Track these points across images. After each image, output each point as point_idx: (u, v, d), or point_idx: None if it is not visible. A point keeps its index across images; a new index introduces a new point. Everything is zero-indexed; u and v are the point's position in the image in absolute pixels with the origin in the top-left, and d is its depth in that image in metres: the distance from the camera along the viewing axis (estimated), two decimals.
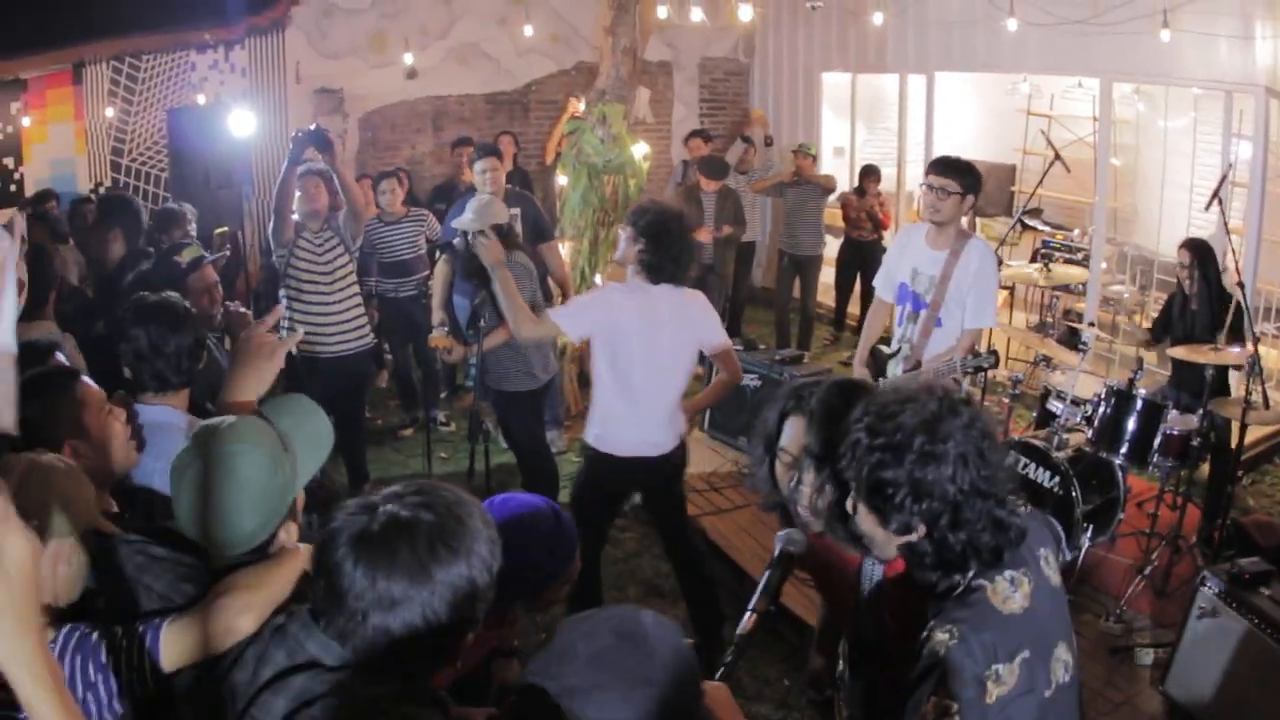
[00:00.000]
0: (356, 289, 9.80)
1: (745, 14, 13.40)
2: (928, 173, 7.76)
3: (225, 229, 9.30)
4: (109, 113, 15.41)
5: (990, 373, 9.63)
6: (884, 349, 8.29)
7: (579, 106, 15.39)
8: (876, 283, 8.59)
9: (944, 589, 3.24)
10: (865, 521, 3.30)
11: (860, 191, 15.68)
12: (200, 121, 14.66)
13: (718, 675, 3.20)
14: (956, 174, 7.61)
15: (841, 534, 3.57)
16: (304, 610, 2.85)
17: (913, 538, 3.20)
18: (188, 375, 5.21)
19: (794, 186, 15.08)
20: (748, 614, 3.50)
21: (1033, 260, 14.73)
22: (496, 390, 9.29)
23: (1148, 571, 8.41)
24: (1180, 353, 9.14)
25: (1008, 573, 3.17)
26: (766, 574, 3.60)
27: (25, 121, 14.84)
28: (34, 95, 14.89)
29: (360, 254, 10.87)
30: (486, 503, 4.12)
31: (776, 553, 3.65)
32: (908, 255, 8.10)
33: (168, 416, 5.02)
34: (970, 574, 3.19)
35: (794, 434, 3.81)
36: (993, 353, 7.37)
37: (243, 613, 3.04)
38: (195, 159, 14.55)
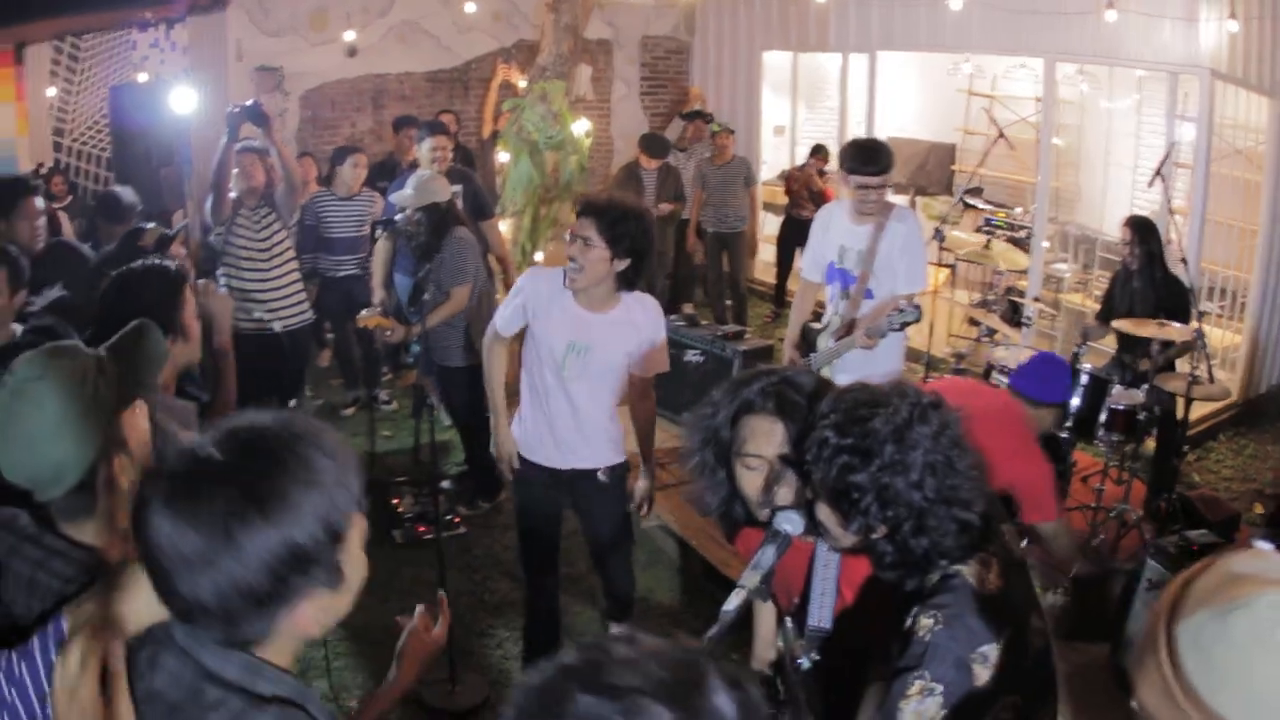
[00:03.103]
0: (295, 265, 9.80)
1: None
2: (854, 172, 7.67)
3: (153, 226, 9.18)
4: (50, 92, 15.32)
5: (933, 347, 9.63)
6: (814, 326, 8.28)
7: (513, 75, 15.35)
8: (802, 264, 8.60)
9: (916, 585, 3.24)
10: (825, 515, 3.29)
11: (801, 167, 15.75)
12: (142, 100, 14.60)
13: None
14: (881, 165, 7.62)
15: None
16: None
17: (873, 536, 3.20)
18: None
19: (720, 167, 15.14)
20: (736, 590, 3.40)
21: (976, 232, 14.80)
22: (439, 366, 9.27)
23: (1094, 545, 8.44)
24: (1126, 326, 9.16)
25: (979, 554, 3.18)
26: (760, 551, 3.50)
27: None
28: None
29: (302, 228, 10.83)
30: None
31: (771, 531, 3.54)
32: (832, 234, 8.09)
33: None
34: (944, 565, 3.18)
35: (758, 436, 3.73)
36: (916, 306, 7.32)
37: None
38: (137, 138, 14.50)
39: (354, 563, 2.40)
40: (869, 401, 3.20)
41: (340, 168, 11.81)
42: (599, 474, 6.55)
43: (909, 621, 3.16)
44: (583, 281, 6.13)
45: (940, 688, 3.01)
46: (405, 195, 8.94)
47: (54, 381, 3.07)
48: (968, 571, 3.15)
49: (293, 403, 9.67)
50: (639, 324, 6.37)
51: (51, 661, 2.63)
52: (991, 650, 3.04)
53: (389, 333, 9.32)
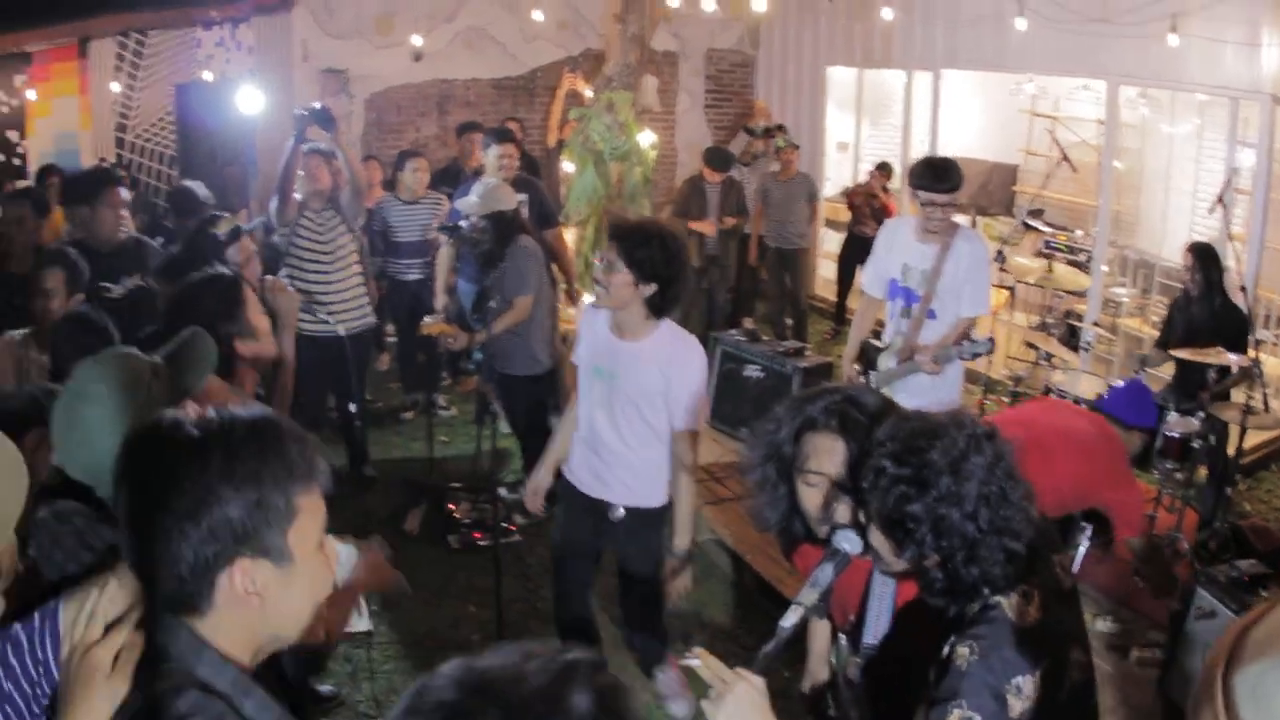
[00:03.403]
0: (358, 268, 9.90)
1: (759, 4, 13.35)
2: (923, 189, 7.66)
3: (228, 216, 9.24)
4: (114, 88, 15.47)
5: (991, 370, 9.64)
6: (875, 343, 8.30)
7: (579, 84, 15.41)
8: (864, 279, 8.60)
9: (957, 613, 3.27)
10: (877, 540, 3.32)
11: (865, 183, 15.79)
12: (207, 98, 14.71)
13: (755, 667, 3.09)
14: (950, 183, 7.63)
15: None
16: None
17: (925, 563, 3.23)
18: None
19: (783, 183, 15.10)
20: (793, 607, 3.38)
21: (1036, 257, 14.75)
22: (501, 374, 9.30)
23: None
24: (1185, 354, 9.18)
25: (1021, 587, 3.20)
26: (818, 569, 3.49)
27: (30, 95, 14.90)
28: (38, 69, 14.98)
29: (370, 231, 10.94)
30: None
31: (830, 549, 3.53)
32: (896, 251, 8.08)
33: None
34: (986, 594, 3.21)
35: (821, 454, 3.75)
36: (990, 339, 7.36)
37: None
38: (202, 136, 14.61)
39: (307, 545, 2.47)
40: (926, 432, 3.22)
41: (401, 172, 11.90)
42: (614, 510, 6.43)
43: (947, 650, 3.20)
44: (606, 302, 6.12)
45: (978, 717, 3.05)
46: (470, 202, 9.00)
47: (112, 384, 3.30)
48: (1007, 603, 3.17)
49: (352, 407, 9.74)
50: (667, 361, 6.14)
51: (46, 653, 2.77)
52: (1026, 682, 3.07)
53: (452, 340, 9.39)
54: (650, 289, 5.97)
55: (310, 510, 2.46)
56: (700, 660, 3.01)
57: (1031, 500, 3.25)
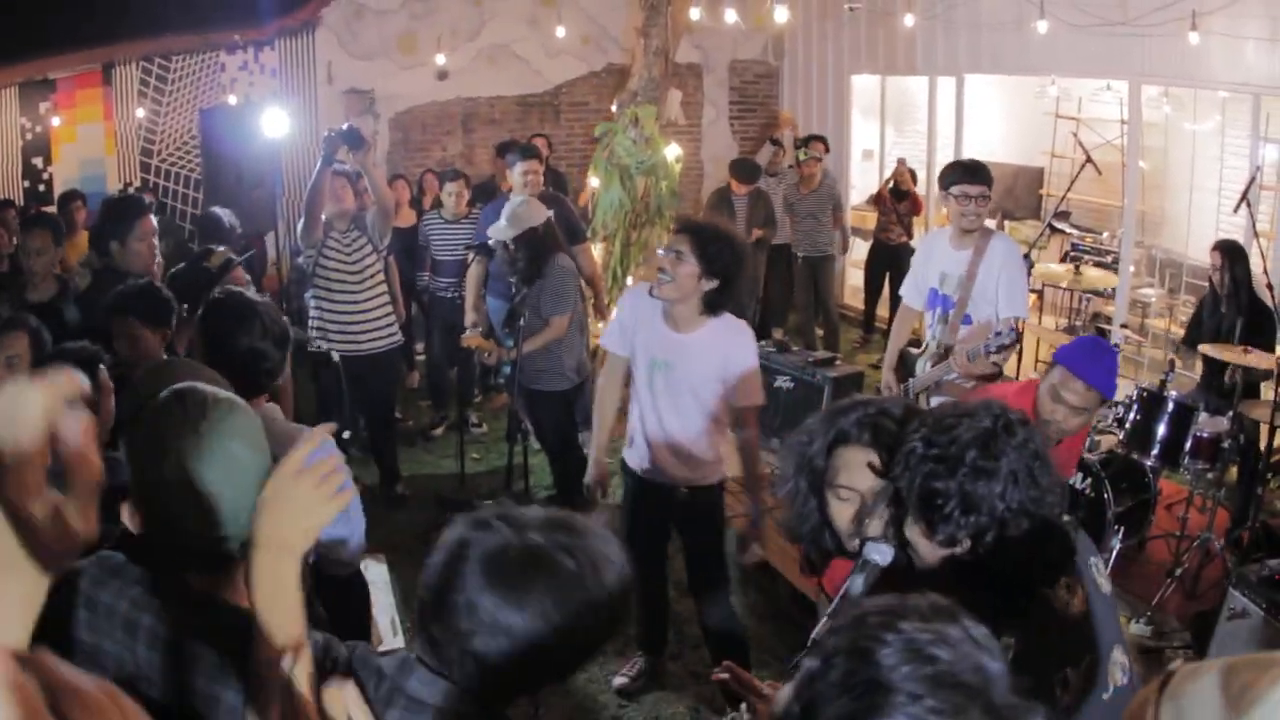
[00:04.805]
0: (385, 287, 9.94)
1: (781, 15, 13.36)
2: (955, 183, 7.69)
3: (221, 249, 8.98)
4: (139, 113, 15.54)
5: (1022, 373, 9.61)
6: (913, 351, 8.32)
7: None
8: (904, 291, 8.65)
9: (1002, 604, 3.25)
10: (912, 532, 3.34)
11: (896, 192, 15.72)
12: (232, 122, 14.76)
13: (787, 679, 3.11)
14: (985, 178, 7.66)
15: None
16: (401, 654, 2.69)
17: (957, 550, 3.25)
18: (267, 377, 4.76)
19: (808, 195, 15.07)
20: (824, 620, 3.43)
21: (1062, 261, 14.71)
22: (529, 390, 9.34)
23: (1178, 574, 8.45)
24: (1211, 351, 9.16)
25: (1065, 579, 3.21)
26: (849, 581, 3.48)
27: (55, 121, 15.01)
28: (63, 95, 15.07)
29: (416, 248, 11.05)
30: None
31: (861, 561, 3.49)
32: (934, 261, 8.13)
33: None
34: (1029, 586, 3.21)
35: (852, 468, 3.72)
36: (1013, 329, 7.32)
37: None
38: (228, 159, 14.65)
39: None
40: (955, 413, 3.29)
41: (442, 195, 11.99)
42: (679, 490, 6.79)
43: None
44: (670, 292, 6.32)
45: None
46: (500, 228, 9.02)
47: (246, 422, 2.78)
48: (1051, 594, 3.18)
49: (346, 434, 9.76)
50: (723, 348, 6.46)
51: None
52: (1072, 673, 3.10)
53: (488, 355, 9.44)
54: (712, 284, 6.28)
55: None
56: (729, 675, 3.03)
57: (1063, 488, 3.28)
